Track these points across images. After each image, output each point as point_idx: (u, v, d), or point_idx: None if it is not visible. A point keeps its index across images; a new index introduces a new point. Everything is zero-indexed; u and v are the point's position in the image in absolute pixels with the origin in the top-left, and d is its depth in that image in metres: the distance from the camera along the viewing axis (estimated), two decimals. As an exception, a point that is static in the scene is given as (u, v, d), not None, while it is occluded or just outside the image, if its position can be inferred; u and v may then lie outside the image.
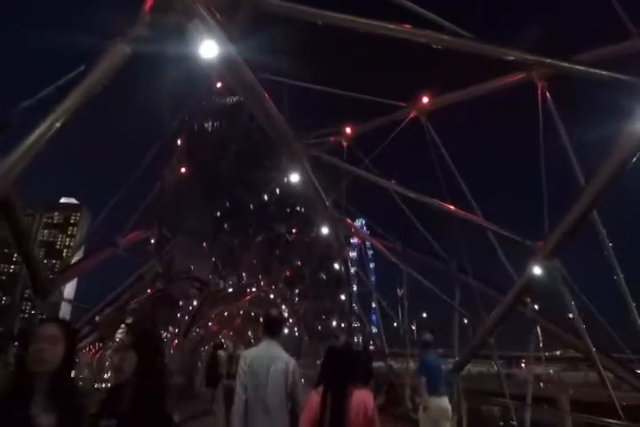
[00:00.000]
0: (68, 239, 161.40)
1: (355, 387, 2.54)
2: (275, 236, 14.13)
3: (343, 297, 17.28)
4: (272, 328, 3.41)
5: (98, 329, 11.53)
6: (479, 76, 9.47)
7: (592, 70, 5.19)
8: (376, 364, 14.27)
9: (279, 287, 22.17)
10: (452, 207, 8.51)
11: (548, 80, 6.99)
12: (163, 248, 12.06)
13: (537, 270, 6.76)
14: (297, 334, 31.60)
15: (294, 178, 8.93)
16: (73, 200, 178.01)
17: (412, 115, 11.15)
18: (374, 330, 18.01)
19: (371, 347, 17.79)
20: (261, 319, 4.07)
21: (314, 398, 2.52)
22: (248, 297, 22.77)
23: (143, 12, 5.53)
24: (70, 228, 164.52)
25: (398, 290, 16.84)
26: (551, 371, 32.99)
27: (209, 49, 5.88)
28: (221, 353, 12.10)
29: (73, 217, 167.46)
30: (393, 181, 11.08)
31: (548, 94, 7.52)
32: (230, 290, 19.94)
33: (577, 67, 5.59)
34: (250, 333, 48.37)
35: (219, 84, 11.63)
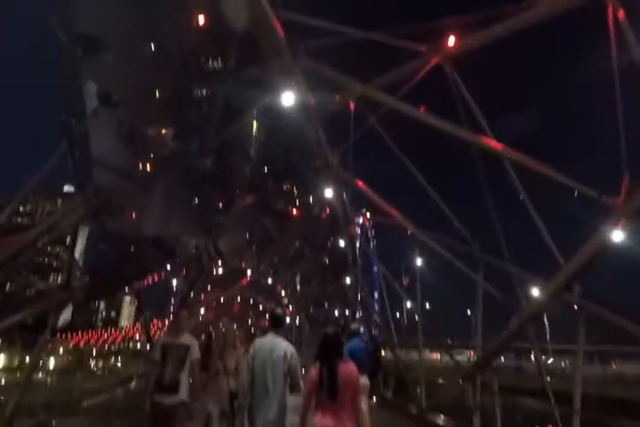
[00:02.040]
0: None
1: (341, 361, 3.28)
2: (267, 200, 12.34)
3: (348, 280, 15.70)
4: (276, 323, 4.03)
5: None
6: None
7: None
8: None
9: (278, 272, 20.50)
10: (498, 145, 6.53)
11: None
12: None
13: (615, 236, 5.04)
14: (297, 322, 30.14)
15: (288, 100, 7.08)
16: None
17: (433, 62, 9.24)
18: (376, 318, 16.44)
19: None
20: (267, 315, 5.14)
21: (313, 370, 3.25)
22: (245, 281, 21.28)
23: None
24: None
25: (403, 278, 15.19)
26: (563, 364, 31.27)
27: None
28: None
29: None
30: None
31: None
32: (221, 269, 18.13)
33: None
34: (250, 321, 47.28)
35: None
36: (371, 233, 15.32)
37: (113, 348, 58.79)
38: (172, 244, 11.41)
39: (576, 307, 7.36)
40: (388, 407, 10.77)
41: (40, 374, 17.54)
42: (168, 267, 15.56)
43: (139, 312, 17.73)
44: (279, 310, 4.42)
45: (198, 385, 4.69)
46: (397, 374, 12.47)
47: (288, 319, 31.58)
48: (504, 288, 9.62)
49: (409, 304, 14.31)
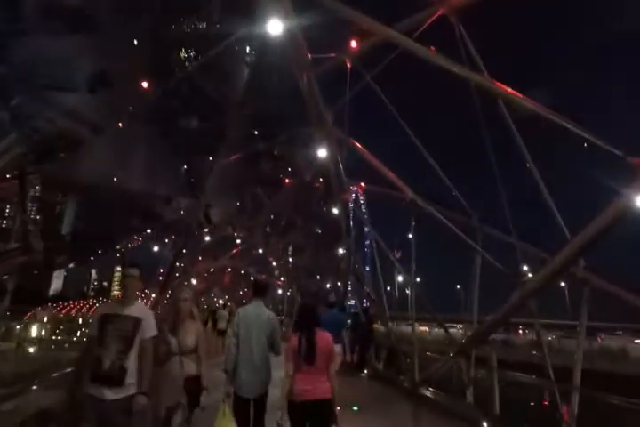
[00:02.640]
0: None
1: (319, 330, 3.55)
2: (258, 164, 11.45)
3: (341, 251, 15.22)
4: (258, 291, 4.22)
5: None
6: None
7: None
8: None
9: (270, 242, 19.93)
10: (515, 93, 5.72)
11: None
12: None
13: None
14: (289, 294, 30.05)
15: (275, 29, 6.21)
16: None
17: (439, 13, 8.26)
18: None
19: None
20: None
21: (294, 338, 3.52)
22: (236, 251, 20.78)
23: None
24: None
25: (395, 252, 14.74)
26: (550, 338, 31.82)
27: None
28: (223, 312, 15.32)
29: None
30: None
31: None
32: (210, 237, 17.42)
33: None
34: (241, 292, 47.43)
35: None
36: (365, 202, 14.62)
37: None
38: (155, 205, 10.65)
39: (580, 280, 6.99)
40: (380, 380, 10.54)
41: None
42: (154, 232, 14.71)
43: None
44: (261, 278, 4.75)
45: (150, 376, 3.20)
46: (389, 346, 12.22)
47: (280, 291, 31.59)
48: (505, 263, 9.21)
49: (400, 278, 14.03)
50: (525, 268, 8.31)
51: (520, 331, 36.74)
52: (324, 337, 3.51)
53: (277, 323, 4.07)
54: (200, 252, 19.58)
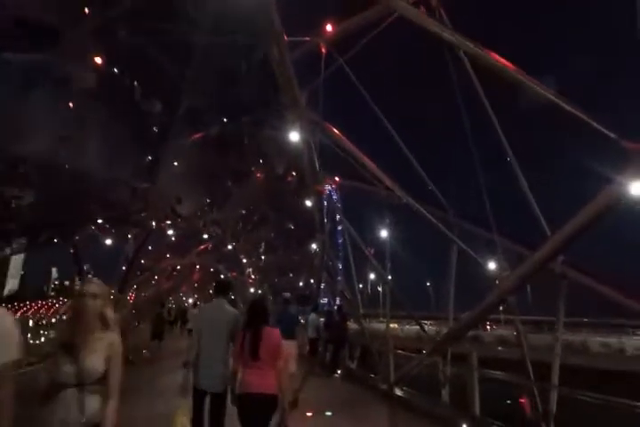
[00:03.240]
0: None
1: (266, 327, 3.59)
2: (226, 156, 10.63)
3: (314, 246, 14.74)
4: (221, 289, 4.27)
5: None
6: None
7: None
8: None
9: (240, 238, 19.15)
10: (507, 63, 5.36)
11: None
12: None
13: (636, 188, 4.19)
14: (260, 292, 29.32)
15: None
16: None
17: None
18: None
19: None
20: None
21: (240, 334, 3.66)
22: (204, 247, 19.87)
23: None
24: None
25: (368, 249, 14.44)
26: (515, 333, 32.45)
27: None
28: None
29: None
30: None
31: None
32: (174, 231, 16.38)
33: None
34: (211, 290, 46.11)
35: None
36: (338, 198, 14.19)
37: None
38: (116, 193, 9.66)
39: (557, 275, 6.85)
40: (354, 381, 10.18)
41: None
42: (114, 224, 13.42)
43: (79, 278, 15.94)
44: (223, 278, 5.28)
45: (9, 422, 1.83)
46: (362, 344, 11.89)
47: (252, 289, 30.77)
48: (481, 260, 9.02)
49: (372, 275, 13.85)
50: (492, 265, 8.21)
51: (487, 326, 37.52)
52: (271, 334, 3.56)
53: (240, 319, 4.00)
54: (165, 247, 18.57)
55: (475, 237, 9.65)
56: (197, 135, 9.25)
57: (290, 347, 6.69)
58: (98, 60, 7.16)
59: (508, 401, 10.51)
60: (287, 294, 8.40)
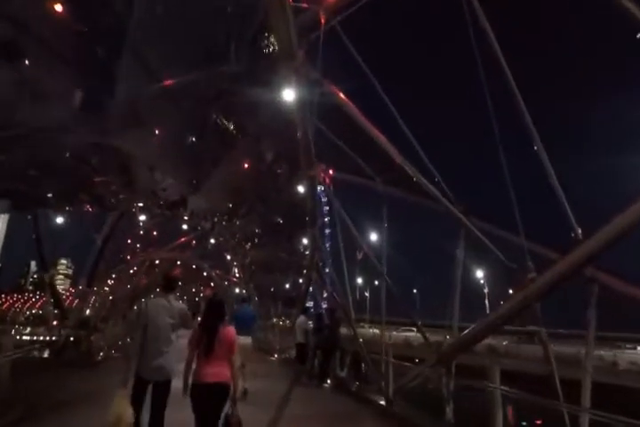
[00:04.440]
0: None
1: (221, 325, 3.84)
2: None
3: (305, 242, 13.58)
4: (169, 285, 4.37)
5: None
6: None
7: None
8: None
9: (223, 232, 17.85)
10: None
11: None
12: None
13: None
14: (244, 292, 27.98)
15: None
16: None
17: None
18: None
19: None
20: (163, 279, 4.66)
21: (195, 331, 3.87)
22: (184, 239, 18.55)
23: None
24: None
25: (358, 252, 13.40)
26: (505, 343, 31.76)
27: None
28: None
29: None
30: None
31: None
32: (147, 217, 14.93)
33: None
34: (194, 289, 44.51)
35: None
36: (331, 191, 13.00)
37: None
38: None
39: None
40: (346, 393, 9.06)
41: None
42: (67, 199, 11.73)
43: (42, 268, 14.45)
44: (172, 273, 5.15)
45: None
46: (353, 351, 10.76)
47: (237, 290, 29.37)
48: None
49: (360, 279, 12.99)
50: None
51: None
52: (227, 331, 3.83)
53: (186, 313, 4.23)
54: (140, 238, 17.09)
55: (487, 235, 8.68)
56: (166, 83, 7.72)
57: (243, 341, 6.91)
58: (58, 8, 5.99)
59: (524, 423, 9.56)
60: (244, 294, 8.72)
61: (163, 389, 3.92)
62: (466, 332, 7.44)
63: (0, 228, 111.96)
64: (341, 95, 6.94)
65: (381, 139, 7.26)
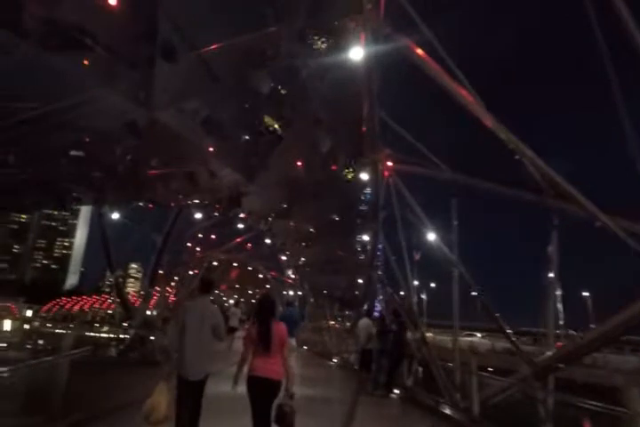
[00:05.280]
0: None
1: (275, 321, 4.07)
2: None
3: (365, 238, 12.60)
4: (204, 288, 4.56)
5: None
6: None
7: None
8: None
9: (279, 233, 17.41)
10: None
11: None
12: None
13: None
14: (300, 293, 27.53)
15: None
16: None
17: None
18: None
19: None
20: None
21: (252, 328, 4.07)
22: (239, 240, 18.31)
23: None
24: None
25: (415, 253, 12.15)
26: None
27: None
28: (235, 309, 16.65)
29: None
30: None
31: None
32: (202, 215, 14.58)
33: None
34: (250, 291, 44.99)
35: None
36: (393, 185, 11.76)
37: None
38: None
39: None
40: (417, 405, 8.01)
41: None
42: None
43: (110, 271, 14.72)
44: (208, 276, 3.76)
45: None
46: (421, 358, 9.65)
47: (291, 292, 29.02)
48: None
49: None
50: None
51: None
52: (279, 327, 4.02)
53: (220, 316, 4.33)
54: (198, 240, 17.16)
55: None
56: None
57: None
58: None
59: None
60: (291, 297, 8.17)
61: (195, 388, 4.01)
62: (577, 342, 6.11)
63: (81, 233, 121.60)
64: (420, 52, 5.96)
65: (470, 100, 6.19)
